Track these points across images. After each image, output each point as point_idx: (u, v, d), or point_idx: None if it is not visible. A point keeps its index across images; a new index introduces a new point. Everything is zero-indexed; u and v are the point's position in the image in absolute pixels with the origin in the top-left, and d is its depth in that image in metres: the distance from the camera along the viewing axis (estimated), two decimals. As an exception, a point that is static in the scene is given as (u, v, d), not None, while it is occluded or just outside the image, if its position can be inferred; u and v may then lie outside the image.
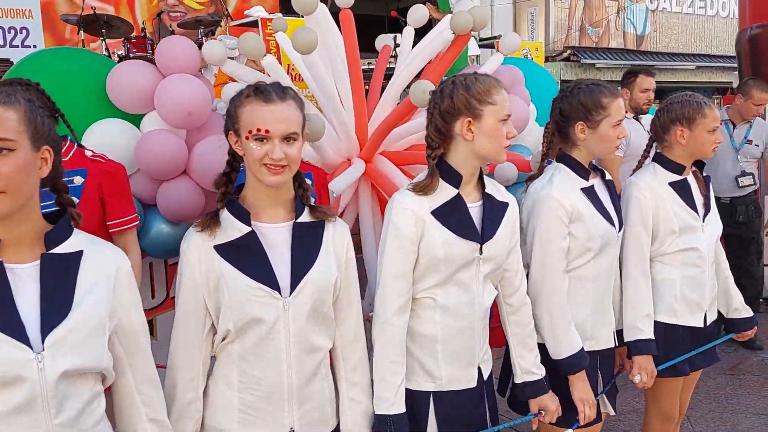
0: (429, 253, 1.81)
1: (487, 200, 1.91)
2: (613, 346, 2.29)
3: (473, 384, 1.91)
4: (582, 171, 2.18)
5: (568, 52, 16.13)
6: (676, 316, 2.45)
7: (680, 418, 2.78)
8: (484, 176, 1.95)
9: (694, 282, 2.44)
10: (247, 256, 1.63)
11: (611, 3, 16.97)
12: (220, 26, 7.82)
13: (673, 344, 2.46)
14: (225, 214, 1.66)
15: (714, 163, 4.50)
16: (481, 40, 7.19)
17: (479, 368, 1.93)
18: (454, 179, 1.85)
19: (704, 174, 2.53)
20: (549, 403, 2.05)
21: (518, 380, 2.06)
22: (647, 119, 3.91)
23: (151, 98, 3.22)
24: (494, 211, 1.92)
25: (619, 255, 2.33)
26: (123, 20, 6.83)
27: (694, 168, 2.51)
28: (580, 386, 2.11)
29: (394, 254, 1.81)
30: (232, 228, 1.65)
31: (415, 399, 1.86)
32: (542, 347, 2.13)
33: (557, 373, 2.12)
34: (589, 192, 2.16)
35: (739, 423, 3.74)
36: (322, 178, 2.93)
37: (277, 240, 1.67)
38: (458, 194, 1.86)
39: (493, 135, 1.82)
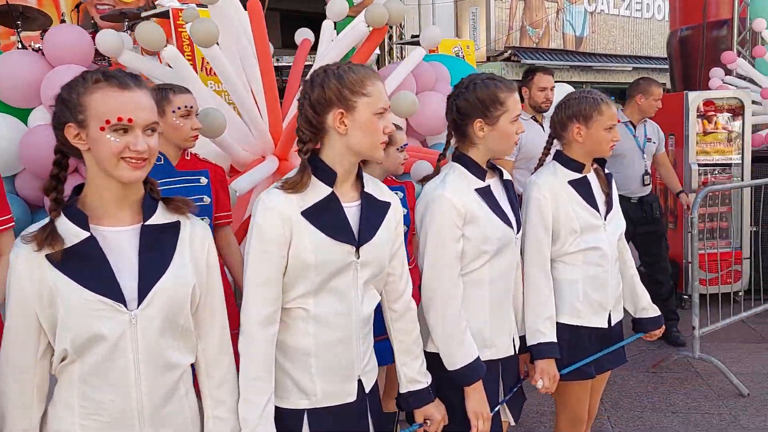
0: (298, 257, 1.64)
1: (366, 200, 1.77)
2: (513, 353, 2.19)
3: (352, 398, 1.76)
4: (478, 171, 2.07)
5: (509, 52, 16.28)
6: (579, 317, 2.37)
7: (590, 420, 2.72)
8: (365, 174, 1.82)
9: (596, 282, 2.37)
10: (85, 265, 1.44)
11: (551, 4, 17.20)
12: (153, 20, 7.53)
13: (577, 346, 2.38)
14: (61, 219, 1.47)
15: (625, 165, 4.55)
16: (412, 36, 7.12)
17: (360, 381, 1.78)
18: (328, 177, 1.71)
19: (606, 171, 2.46)
20: (434, 412, 1.92)
21: (403, 390, 1.93)
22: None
23: (38, 91, 3.01)
24: (373, 211, 1.78)
25: (519, 258, 2.23)
26: (41, 12, 6.49)
27: (595, 165, 2.45)
28: (474, 398, 1.98)
29: (258, 259, 1.63)
30: (68, 234, 1.45)
31: (288, 419, 1.71)
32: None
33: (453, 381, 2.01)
34: (485, 192, 2.05)
35: (659, 422, 3.73)
36: (220, 176, 2.76)
37: (122, 245, 1.49)
38: (332, 193, 1.71)
39: (368, 129, 1.68)
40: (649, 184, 4.67)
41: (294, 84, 4.09)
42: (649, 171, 4.67)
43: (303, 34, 4.46)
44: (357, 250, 1.71)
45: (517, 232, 2.13)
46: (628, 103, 4.66)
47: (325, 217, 1.68)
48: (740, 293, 5.46)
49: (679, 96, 5.67)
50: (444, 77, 4.73)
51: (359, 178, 1.79)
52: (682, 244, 5.53)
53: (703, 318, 4.45)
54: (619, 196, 2.54)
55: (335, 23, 4.18)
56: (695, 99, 5.51)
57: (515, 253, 2.15)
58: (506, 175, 2.19)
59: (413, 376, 1.90)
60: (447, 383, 1.99)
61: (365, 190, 1.78)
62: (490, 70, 14.11)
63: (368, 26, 3.51)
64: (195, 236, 1.58)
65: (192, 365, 1.63)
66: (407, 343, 1.91)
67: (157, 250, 1.51)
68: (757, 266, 5.47)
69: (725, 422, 3.66)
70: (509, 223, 2.07)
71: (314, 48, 4.42)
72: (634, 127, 4.64)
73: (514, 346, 2.18)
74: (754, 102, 5.81)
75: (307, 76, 1.74)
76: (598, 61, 17.94)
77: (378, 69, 4.54)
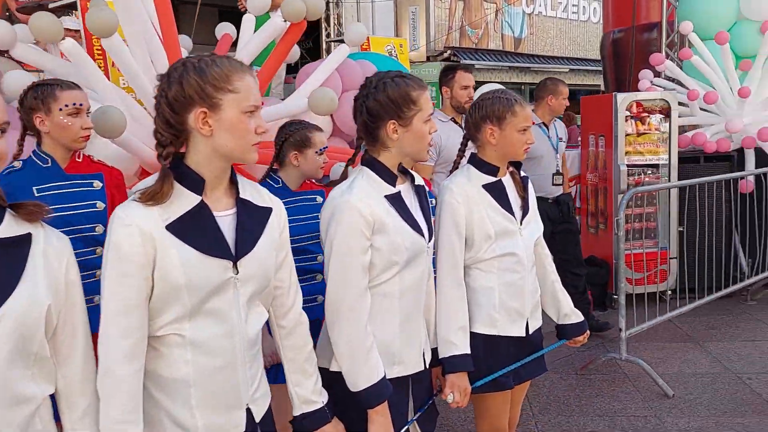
0: (166, 279, 1.45)
1: (243, 207, 1.60)
2: (423, 368, 2.05)
3: (240, 430, 1.59)
4: (388, 176, 1.93)
5: (449, 52, 16.29)
6: (495, 326, 2.26)
7: (512, 430, 2.63)
8: (240, 178, 1.64)
9: (512, 288, 2.27)
10: None
11: (489, 5, 17.31)
12: (74, 12, 7.17)
13: (494, 356, 2.28)
14: None
15: (543, 166, 4.56)
16: (345, 34, 6.99)
17: (249, 409, 1.62)
18: (195, 184, 1.50)
19: (522, 174, 2.36)
20: None
21: (296, 412, 1.77)
22: None
23: None
24: (252, 219, 1.61)
25: (431, 267, 2.11)
26: (-53, 4, 6.10)
27: (511, 168, 2.35)
28: (378, 422, 1.85)
29: (115, 284, 1.43)
30: None
31: None
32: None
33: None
34: (395, 199, 1.91)
35: (586, 426, 3.70)
36: (116, 180, 2.55)
37: None
38: (201, 202, 1.51)
39: (236, 129, 1.50)
40: (559, 184, 4.70)
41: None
42: (560, 170, 4.71)
43: (224, 29, 4.26)
44: (235, 265, 1.54)
45: (429, 241, 2.01)
46: (538, 105, 4.65)
47: (194, 230, 1.49)
48: (667, 293, 5.54)
49: (608, 97, 5.71)
50: (372, 76, 4.60)
51: (233, 182, 1.61)
52: (612, 245, 5.56)
53: (630, 318, 4.46)
54: (538, 197, 2.45)
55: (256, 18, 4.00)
56: (624, 100, 5.55)
57: (427, 262, 2.02)
58: (418, 180, 2.07)
59: (307, 396, 1.75)
60: (350, 403, 1.85)
61: (241, 195, 1.60)
62: (429, 71, 14.05)
63: (285, 20, 3.34)
64: (50, 249, 1.39)
65: (52, 395, 1.44)
66: (299, 362, 1.75)
67: (2, 268, 1.32)
68: (683, 266, 5.55)
69: (650, 425, 3.65)
70: (420, 232, 1.94)
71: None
72: (547, 127, 4.65)
73: (425, 361, 2.06)
74: (681, 104, 5.90)
75: (165, 71, 1.55)
76: (536, 62, 18.16)
77: (300, 66, 4.38)
